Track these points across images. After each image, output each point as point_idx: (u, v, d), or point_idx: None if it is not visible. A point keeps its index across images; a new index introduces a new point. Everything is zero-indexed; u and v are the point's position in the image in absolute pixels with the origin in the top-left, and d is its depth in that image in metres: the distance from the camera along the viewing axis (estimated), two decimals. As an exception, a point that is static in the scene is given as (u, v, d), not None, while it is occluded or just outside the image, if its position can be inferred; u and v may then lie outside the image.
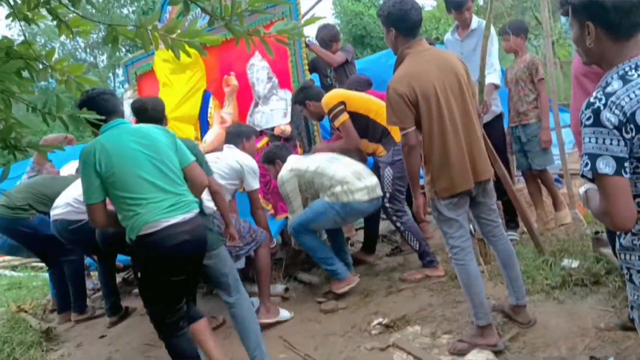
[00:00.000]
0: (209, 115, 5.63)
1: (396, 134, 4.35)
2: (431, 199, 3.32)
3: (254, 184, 4.30)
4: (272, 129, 5.02)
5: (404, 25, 3.29)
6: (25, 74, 2.46)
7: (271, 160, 4.68)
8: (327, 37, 5.60)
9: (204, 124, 5.73)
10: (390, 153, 4.61)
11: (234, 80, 5.29)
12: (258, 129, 5.12)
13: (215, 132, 5.30)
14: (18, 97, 2.21)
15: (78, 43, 29.04)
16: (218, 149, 4.69)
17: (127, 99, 6.38)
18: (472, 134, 3.26)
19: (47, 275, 5.65)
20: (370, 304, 4.26)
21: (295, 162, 4.46)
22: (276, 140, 5.08)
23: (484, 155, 3.35)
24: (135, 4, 28.05)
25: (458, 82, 3.25)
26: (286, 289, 4.68)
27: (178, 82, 5.59)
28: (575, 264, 4.00)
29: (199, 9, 2.05)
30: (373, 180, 4.39)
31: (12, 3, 2.51)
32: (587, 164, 1.70)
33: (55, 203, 4.72)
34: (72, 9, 2.38)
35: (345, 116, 4.55)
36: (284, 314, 4.29)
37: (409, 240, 4.58)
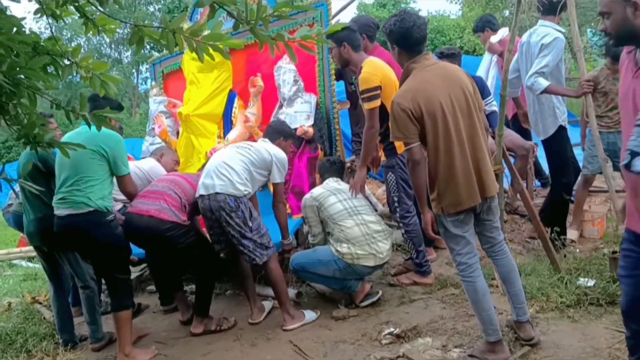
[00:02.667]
0: (232, 114, 5.67)
1: (400, 145, 4.22)
2: (437, 215, 3.29)
3: (279, 177, 4.35)
4: (295, 130, 5.03)
5: (407, 43, 3.29)
6: (50, 69, 2.49)
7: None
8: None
9: (227, 123, 5.79)
10: (390, 157, 4.56)
11: (259, 81, 5.33)
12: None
13: (238, 131, 5.37)
14: (43, 92, 2.23)
15: (103, 39, 29.33)
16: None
17: (152, 96, 6.52)
18: (479, 149, 3.22)
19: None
20: (381, 313, 4.24)
21: (321, 194, 4.40)
22: (298, 143, 5.09)
23: (490, 170, 3.31)
24: (162, 1, 28.30)
25: (464, 96, 3.22)
26: (299, 294, 4.67)
27: (205, 81, 5.66)
28: (591, 282, 3.96)
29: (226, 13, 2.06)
30: (384, 246, 4.27)
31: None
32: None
33: None
34: (99, 8, 2.39)
35: (377, 103, 4.26)
36: (310, 315, 4.31)
37: (407, 244, 4.57)
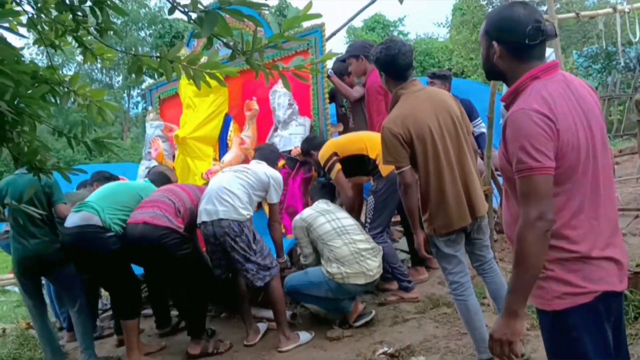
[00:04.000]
0: (228, 137, 5.85)
1: (384, 168, 4.47)
2: (429, 235, 3.36)
3: (276, 197, 4.45)
4: (289, 151, 5.14)
5: (393, 70, 3.39)
6: (48, 97, 2.56)
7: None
8: (340, 70, 5.71)
9: (222, 146, 5.95)
10: (375, 182, 4.71)
11: (255, 105, 5.47)
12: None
13: (233, 153, 5.50)
14: (44, 120, 2.30)
15: (96, 65, 29.47)
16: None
17: (149, 120, 6.66)
18: (468, 171, 3.31)
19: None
20: (375, 333, 4.29)
21: (310, 215, 4.47)
22: (292, 164, 5.20)
23: (480, 191, 3.39)
24: (153, 27, 28.54)
25: (452, 120, 3.31)
26: (293, 315, 4.72)
27: (201, 105, 5.80)
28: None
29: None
30: (373, 263, 4.32)
31: (40, 29, 2.61)
32: None
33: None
34: (99, 39, 2.47)
35: (337, 168, 4.68)
36: (304, 336, 4.35)
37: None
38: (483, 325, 3.35)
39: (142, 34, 30.83)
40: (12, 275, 8.41)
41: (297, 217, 4.54)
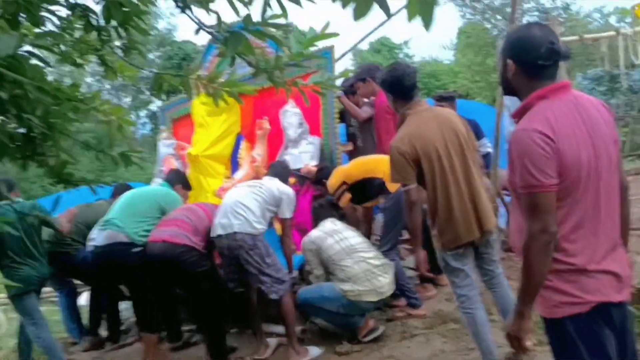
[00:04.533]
0: (239, 156, 5.95)
1: (391, 185, 4.59)
2: (439, 250, 3.44)
3: (288, 213, 4.55)
4: (299, 169, 5.25)
5: (398, 91, 3.53)
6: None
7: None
8: (345, 89, 5.84)
9: (234, 164, 6.07)
10: (384, 200, 4.82)
11: (266, 124, 5.61)
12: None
13: (245, 170, 5.63)
14: (73, 134, 2.40)
15: (103, 85, 29.77)
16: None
17: (162, 139, 6.81)
18: (474, 187, 3.40)
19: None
20: (383, 348, 4.33)
21: (318, 236, 4.52)
22: (302, 181, 5.31)
23: (487, 206, 3.47)
24: (161, 49, 28.86)
25: (457, 138, 3.41)
26: (302, 330, 4.77)
27: (214, 124, 5.94)
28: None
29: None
30: (384, 280, 4.39)
31: (62, 49, 2.72)
32: None
33: (90, 233, 4.90)
34: (124, 58, 2.58)
35: (346, 198, 4.87)
36: (314, 351, 4.40)
37: None
38: (490, 337, 3.42)
39: (151, 55, 31.18)
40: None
41: (306, 239, 4.60)
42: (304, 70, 5.18)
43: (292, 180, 5.21)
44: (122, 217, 4.49)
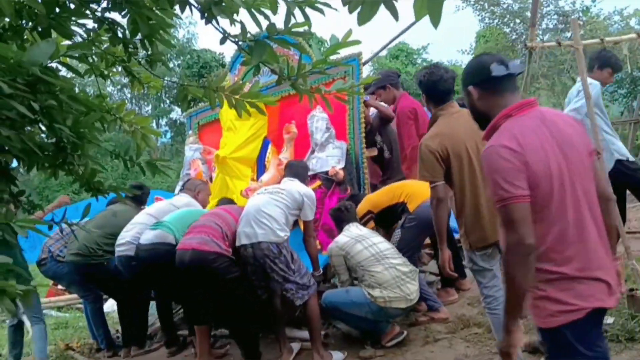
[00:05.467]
0: (266, 159, 6.06)
1: (411, 204, 4.75)
2: (466, 250, 3.48)
3: (311, 215, 4.59)
4: (326, 172, 5.32)
5: (433, 93, 3.64)
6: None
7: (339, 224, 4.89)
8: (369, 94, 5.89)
9: (260, 167, 6.19)
10: (403, 218, 4.88)
11: (293, 128, 5.72)
12: (312, 173, 5.42)
13: (271, 173, 5.72)
14: (101, 144, 2.46)
15: (124, 94, 30.12)
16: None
17: (189, 144, 7.00)
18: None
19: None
20: (407, 353, 4.35)
21: (346, 243, 4.54)
22: (329, 184, 5.35)
23: None
24: (181, 58, 29.12)
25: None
26: (325, 335, 4.80)
27: (241, 127, 6.06)
28: (610, 320, 4.06)
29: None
30: (413, 287, 4.41)
31: (90, 61, 2.79)
32: None
33: (118, 239, 5.06)
34: (149, 69, 2.64)
35: (369, 226, 4.96)
36: (337, 356, 4.44)
37: None
38: None
39: (171, 64, 31.48)
40: (48, 299, 8.68)
41: (333, 245, 4.62)
42: (330, 77, 5.29)
43: (318, 182, 5.26)
44: (175, 223, 4.70)
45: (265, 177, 5.72)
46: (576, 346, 2.06)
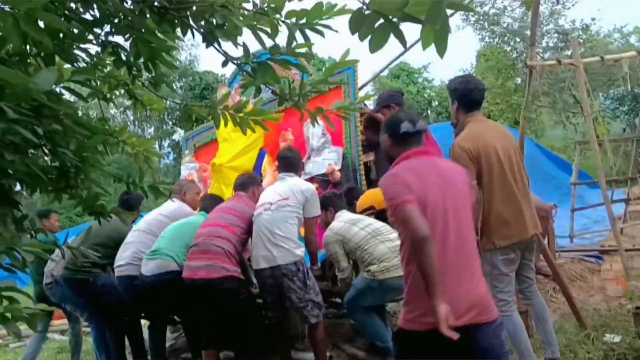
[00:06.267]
0: (262, 168, 6.16)
1: None
2: (489, 250, 3.54)
3: (314, 211, 4.47)
4: (323, 174, 5.33)
5: (466, 101, 3.74)
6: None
7: (325, 206, 4.80)
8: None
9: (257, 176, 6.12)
10: None
11: (290, 135, 5.81)
12: (309, 176, 5.43)
13: (268, 179, 5.77)
14: (103, 167, 2.47)
15: (127, 116, 30.26)
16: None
17: (184, 163, 7.06)
18: (525, 193, 3.63)
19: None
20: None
21: (342, 227, 4.54)
22: (325, 185, 5.36)
23: (534, 211, 3.70)
24: (183, 79, 29.29)
25: (512, 146, 3.68)
26: (330, 357, 4.76)
27: (238, 139, 6.17)
28: (617, 338, 4.04)
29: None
30: None
31: (94, 85, 2.80)
32: None
33: (116, 260, 4.96)
34: (154, 91, 2.66)
35: None
36: None
37: None
38: (527, 339, 3.61)
39: (173, 86, 31.64)
40: (52, 322, 8.62)
41: (328, 232, 4.61)
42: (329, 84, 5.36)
43: (315, 185, 5.25)
44: (173, 247, 4.61)
45: (263, 182, 5.68)
46: (419, 354, 2.46)
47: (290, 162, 4.67)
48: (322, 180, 5.44)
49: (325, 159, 5.50)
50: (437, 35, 1.33)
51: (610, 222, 4.66)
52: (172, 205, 5.23)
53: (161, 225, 4.94)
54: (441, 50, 1.35)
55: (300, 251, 4.32)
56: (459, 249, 2.51)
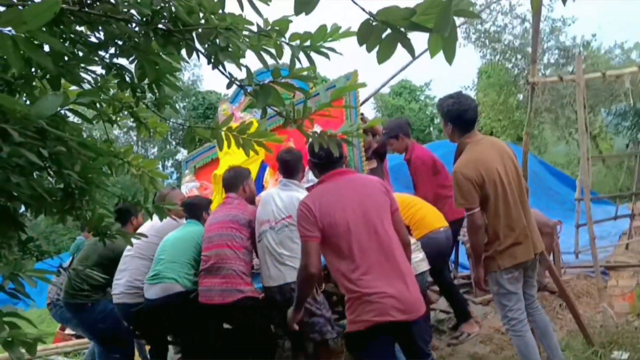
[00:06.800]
0: (264, 180, 6.14)
1: (417, 230, 4.79)
2: (494, 271, 3.56)
3: None
4: None
5: (460, 122, 3.72)
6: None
7: None
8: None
9: (259, 188, 6.11)
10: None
11: (292, 145, 5.75)
12: (311, 183, 5.43)
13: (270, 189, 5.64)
14: (107, 188, 2.48)
15: (131, 136, 30.37)
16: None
17: (185, 182, 7.04)
18: (527, 211, 3.62)
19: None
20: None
21: None
22: None
23: (537, 229, 3.70)
24: (186, 99, 29.43)
25: (513, 165, 3.65)
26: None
27: (239, 152, 6.03)
28: (625, 355, 4.01)
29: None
30: (417, 257, 4.34)
31: (98, 107, 2.82)
32: None
33: (113, 286, 4.90)
34: (158, 113, 2.67)
35: None
36: None
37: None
38: (539, 357, 3.58)
39: (176, 106, 31.71)
40: (55, 345, 8.60)
41: None
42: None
43: None
44: (174, 267, 4.50)
45: (263, 194, 5.67)
46: (362, 352, 3.08)
47: (289, 166, 4.58)
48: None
49: None
50: (445, 43, 1.33)
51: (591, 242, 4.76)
52: (157, 222, 4.99)
53: (151, 247, 4.76)
54: (449, 57, 1.35)
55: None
56: (390, 263, 3.01)
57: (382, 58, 1.43)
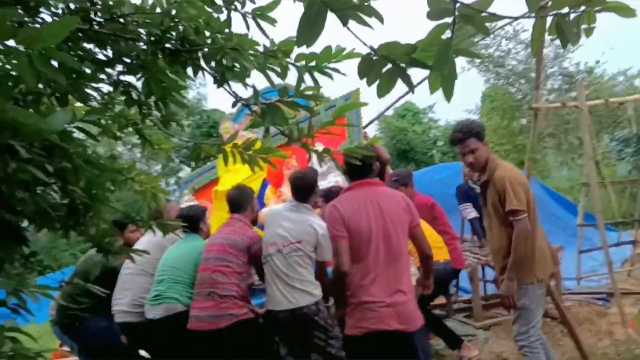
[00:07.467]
0: (265, 197, 6.19)
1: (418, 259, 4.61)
2: (530, 284, 3.54)
3: (327, 255, 3.98)
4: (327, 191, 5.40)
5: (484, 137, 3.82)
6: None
7: (329, 199, 4.61)
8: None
9: (260, 205, 6.08)
10: None
11: (294, 162, 5.87)
12: (331, 184, 5.51)
13: (272, 206, 5.83)
14: (111, 204, 2.49)
15: (134, 153, 30.48)
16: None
17: (184, 202, 6.98)
18: (543, 232, 3.75)
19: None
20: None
21: None
22: (328, 199, 5.41)
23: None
24: (191, 117, 29.57)
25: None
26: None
27: (241, 169, 6.12)
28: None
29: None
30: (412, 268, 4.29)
31: (104, 123, 2.84)
32: None
33: (115, 301, 4.80)
34: (164, 130, 2.70)
35: None
36: None
37: None
38: None
39: (182, 124, 31.82)
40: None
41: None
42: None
43: (316, 210, 5.18)
44: (175, 286, 4.48)
45: (267, 212, 5.67)
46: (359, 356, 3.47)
47: (300, 190, 4.35)
48: (323, 195, 5.44)
49: (331, 182, 5.64)
50: (444, 80, 1.36)
51: (608, 265, 4.69)
52: (155, 238, 4.57)
53: (153, 262, 4.68)
54: (448, 94, 1.39)
55: (319, 291, 4.07)
56: (392, 273, 3.35)
57: (383, 92, 1.46)
